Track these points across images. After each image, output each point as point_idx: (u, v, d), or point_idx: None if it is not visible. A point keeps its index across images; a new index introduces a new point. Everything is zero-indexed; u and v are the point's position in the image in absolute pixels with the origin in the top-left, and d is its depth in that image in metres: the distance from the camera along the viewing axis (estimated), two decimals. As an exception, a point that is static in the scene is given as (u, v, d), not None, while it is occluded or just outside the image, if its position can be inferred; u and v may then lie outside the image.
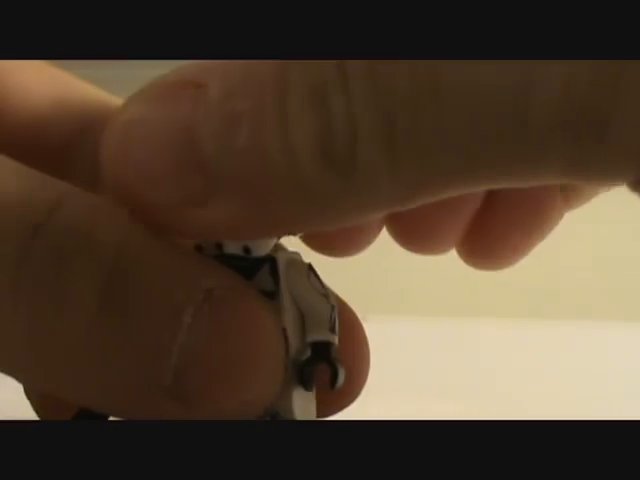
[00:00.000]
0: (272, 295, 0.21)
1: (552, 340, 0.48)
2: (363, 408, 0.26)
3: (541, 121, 0.17)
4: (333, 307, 0.22)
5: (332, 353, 0.22)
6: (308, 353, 0.21)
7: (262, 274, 0.21)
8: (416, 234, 0.27)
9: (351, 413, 0.25)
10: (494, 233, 0.26)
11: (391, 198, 0.18)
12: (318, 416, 0.23)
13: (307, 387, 0.22)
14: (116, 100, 0.26)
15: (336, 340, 0.22)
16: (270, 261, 0.21)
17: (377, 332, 0.26)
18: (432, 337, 0.46)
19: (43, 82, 0.26)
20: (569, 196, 0.26)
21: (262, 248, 0.21)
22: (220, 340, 0.19)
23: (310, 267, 0.22)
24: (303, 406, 0.22)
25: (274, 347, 0.20)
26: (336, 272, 0.26)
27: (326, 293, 0.22)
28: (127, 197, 0.19)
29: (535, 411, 0.35)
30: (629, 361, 0.45)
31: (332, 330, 0.22)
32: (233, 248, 0.21)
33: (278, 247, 0.22)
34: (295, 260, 0.22)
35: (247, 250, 0.21)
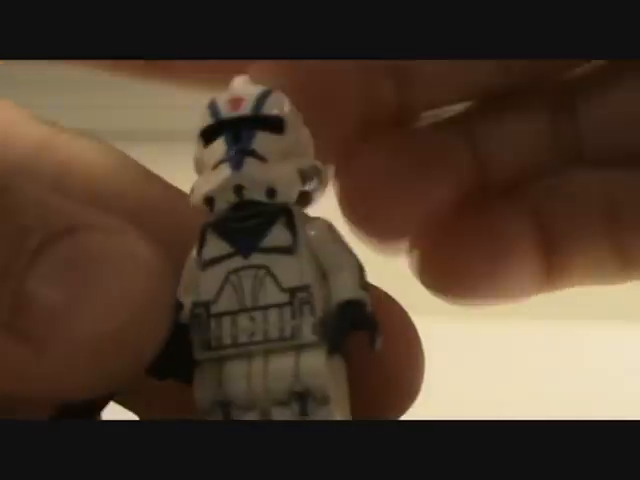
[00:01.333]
0: (289, 250, 0.19)
1: (552, 340, 0.48)
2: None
3: None
4: (361, 266, 0.19)
5: (366, 312, 0.19)
6: (336, 315, 0.19)
7: (277, 228, 0.19)
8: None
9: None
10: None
11: None
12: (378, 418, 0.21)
13: (341, 351, 0.19)
14: None
15: (367, 297, 0.19)
16: (285, 212, 0.19)
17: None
18: (432, 336, 0.46)
19: None
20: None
21: (288, 191, 0.19)
22: (60, 268, 0.17)
23: (330, 223, 0.20)
24: (335, 377, 0.19)
25: (129, 265, 0.18)
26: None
27: (350, 248, 0.20)
28: None
29: (535, 411, 0.35)
30: (629, 361, 0.45)
31: (363, 287, 0.19)
32: (256, 194, 0.19)
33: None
34: (310, 215, 0.20)
35: (271, 193, 0.19)
